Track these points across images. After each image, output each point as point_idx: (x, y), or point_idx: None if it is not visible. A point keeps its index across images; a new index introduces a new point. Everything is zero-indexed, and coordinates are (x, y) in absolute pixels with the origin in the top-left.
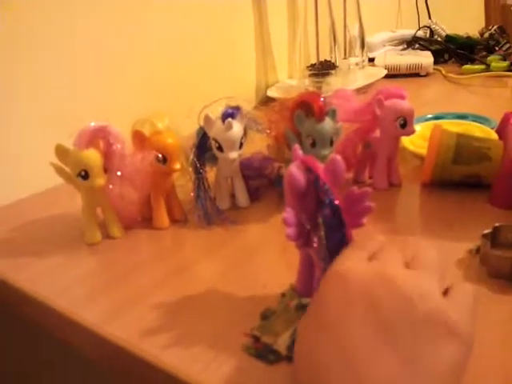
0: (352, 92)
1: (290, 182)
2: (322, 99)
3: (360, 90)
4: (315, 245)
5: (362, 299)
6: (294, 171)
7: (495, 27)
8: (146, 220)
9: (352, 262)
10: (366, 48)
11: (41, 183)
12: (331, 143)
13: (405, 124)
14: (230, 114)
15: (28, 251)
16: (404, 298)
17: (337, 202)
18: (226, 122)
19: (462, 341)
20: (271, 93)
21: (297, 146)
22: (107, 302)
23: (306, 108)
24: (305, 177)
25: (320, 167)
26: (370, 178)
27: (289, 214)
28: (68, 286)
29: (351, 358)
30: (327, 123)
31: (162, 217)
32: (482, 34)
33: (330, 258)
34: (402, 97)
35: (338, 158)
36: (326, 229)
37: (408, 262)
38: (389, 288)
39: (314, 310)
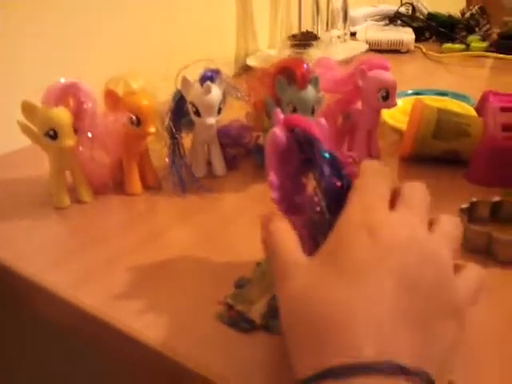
0: (334, 61)
1: (274, 142)
2: (305, 66)
3: (341, 63)
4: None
5: (393, 260)
6: (278, 132)
7: (476, 7)
8: (118, 185)
9: (380, 215)
10: (348, 21)
11: (6, 144)
12: (313, 112)
13: (387, 96)
14: (209, 76)
15: None
16: (432, 272)
17: (333, 154)
18: (205, 85)
19: (463, 321)
20: (251, 62)
21: (278, 110)
22: (76, 268)
23: (289, 74)
24: (288, 137)
25: (307, 122)
26: (350, 150)
27: (273, 177)
28: (35, 251)
29: (376, 312)
30: (309, 91)
31: (135, 182)
32: (463, 14)
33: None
34: (385, 68)
35: (323, 121)
36: (324, 184)
37: (429, 223)
38: (420, 258)
39: (330, 254)
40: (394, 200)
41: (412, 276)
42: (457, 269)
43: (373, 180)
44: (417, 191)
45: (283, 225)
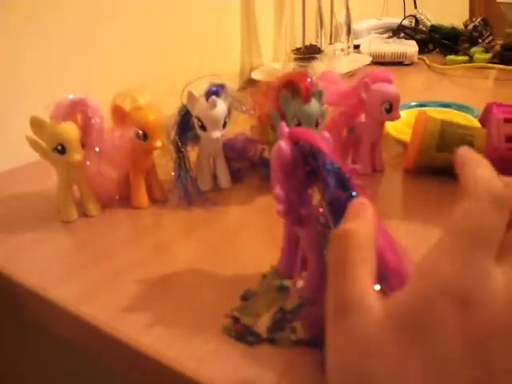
0: (338, 75)
1: (280, 155)
2: (309, 80)
3: (345, 76)
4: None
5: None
6: (283, 145)
7: (479, 19)
8: (125, 199)
9: (483, 282)
10: (351, 34)
11: (15, 158)
12: (317, 125)
13: (390, 109)
14: (215, 91)
15: (0, 229)
16: None
17: (337, 165)
18: (210, 99)
19: None
20: (255, 75)
21: (283, 124)
22: (83, 282)
23: (293, 88)
24: (293, 151)
25: (312, 135)
26: (354, 163)
27: (279, 189)
28: (42, 265)
29: None
30: (313, 105)
31: (141, 196)
32: (466, 26)
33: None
34: (388, 81)
35: (327, 134)
36: (329, 196)
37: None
38: None
39: (410, 321)
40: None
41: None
42: None
43: (480, 209)
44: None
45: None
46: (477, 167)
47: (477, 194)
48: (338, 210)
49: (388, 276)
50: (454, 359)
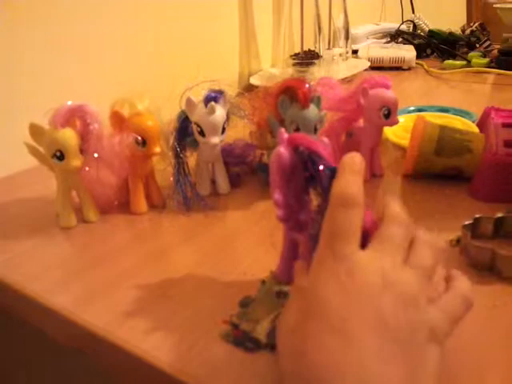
0: (336, 80)
1: (279, 161)
2: (307, 86)
3: (343, 81)
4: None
5: (369, 302)
6: (282, 151)
7: (476, 24)
8: (124, 204)
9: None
10: (350, 39)
11: (14, 165)
12: (315, 130)
13: (389, 114)
14: (213, 97)
15: None
16: (406, 305)
17: (335, 169)
18: (209, 105)
19: (442, 345)
20: (254, 81)
21: (282, 130)
22: (81, 288)
23: (291, 94)
24: (292, 156)
25: (310, 140)
26: None
27: (278, 195)
28: (41, 271)
29: (363, 366)
30: (312, 110)
31: (140, 201)
32: (463, 31)
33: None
34: (386, 86)
35: (326, 139)
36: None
37: (406, 255)
38: (393, 294)
39: (311, 300)
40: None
41: (387, 317)
42: (448, 279)
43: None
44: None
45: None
46: (343, 174)
47: (331, 199)
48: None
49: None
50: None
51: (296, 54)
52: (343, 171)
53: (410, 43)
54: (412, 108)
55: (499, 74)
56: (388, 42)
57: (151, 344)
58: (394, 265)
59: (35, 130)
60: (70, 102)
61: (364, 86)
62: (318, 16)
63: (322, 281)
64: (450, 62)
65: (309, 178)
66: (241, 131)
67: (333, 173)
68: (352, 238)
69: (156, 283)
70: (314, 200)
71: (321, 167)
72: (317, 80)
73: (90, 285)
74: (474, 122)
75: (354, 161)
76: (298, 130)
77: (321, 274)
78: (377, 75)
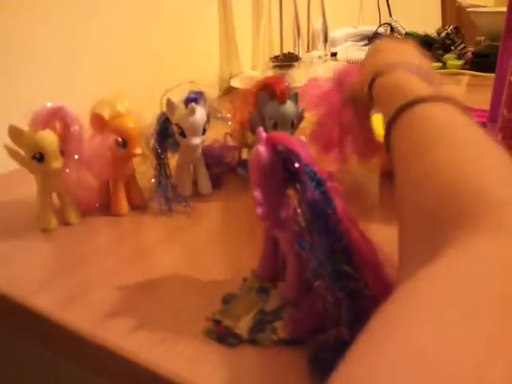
0: (323, 80)
1: (258, 159)
2: (285, 83)
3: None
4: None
5: None
6: (261, 149)
7: (451, 27)
8: (105, 206)
9: None
10: (328, 42)
11: None
12: (292, 125)
13: None
14: (193, 98)
15: None
16: None
17: (315, 169)
18: (189, 106)
19: None
20: (234, 83)
21: (261, 129)
22: (63, 289)
23: (270, 91)
24: (271, 155)
25: (290, 139)
26: (352, 153)
27: (258, 193)
28: (21, 273)
29: None
30: (289, 106)
31: (121, 203)
32: (439, 34)
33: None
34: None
35: (303, 138)
36: (307, 197)
37: None
38: None
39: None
40: None
41: None
42: None
43: None
44: None
45: None
46: None
47: None
48: (316, 210)
49: (361, 263)
50: None
51: (276, 57)
52: None
53: None
54: None
55: (473, 76)
56: (366, 45)
57: (134, 342)
58: None
59: (14, 132)
60: (49, 104)
61: (338, 76)
62: (297, 19)
63: None
64: None
65: (288, 176)
66: (219, 132)
67: (311, 171)
68: None
69: (138, 283)
70: (293, 198)
71: (296, 165)
72: (306, 81)
73: (72, 285)
74: None
75: None
76: (276, 125)
77: None
78: (346, 65)
